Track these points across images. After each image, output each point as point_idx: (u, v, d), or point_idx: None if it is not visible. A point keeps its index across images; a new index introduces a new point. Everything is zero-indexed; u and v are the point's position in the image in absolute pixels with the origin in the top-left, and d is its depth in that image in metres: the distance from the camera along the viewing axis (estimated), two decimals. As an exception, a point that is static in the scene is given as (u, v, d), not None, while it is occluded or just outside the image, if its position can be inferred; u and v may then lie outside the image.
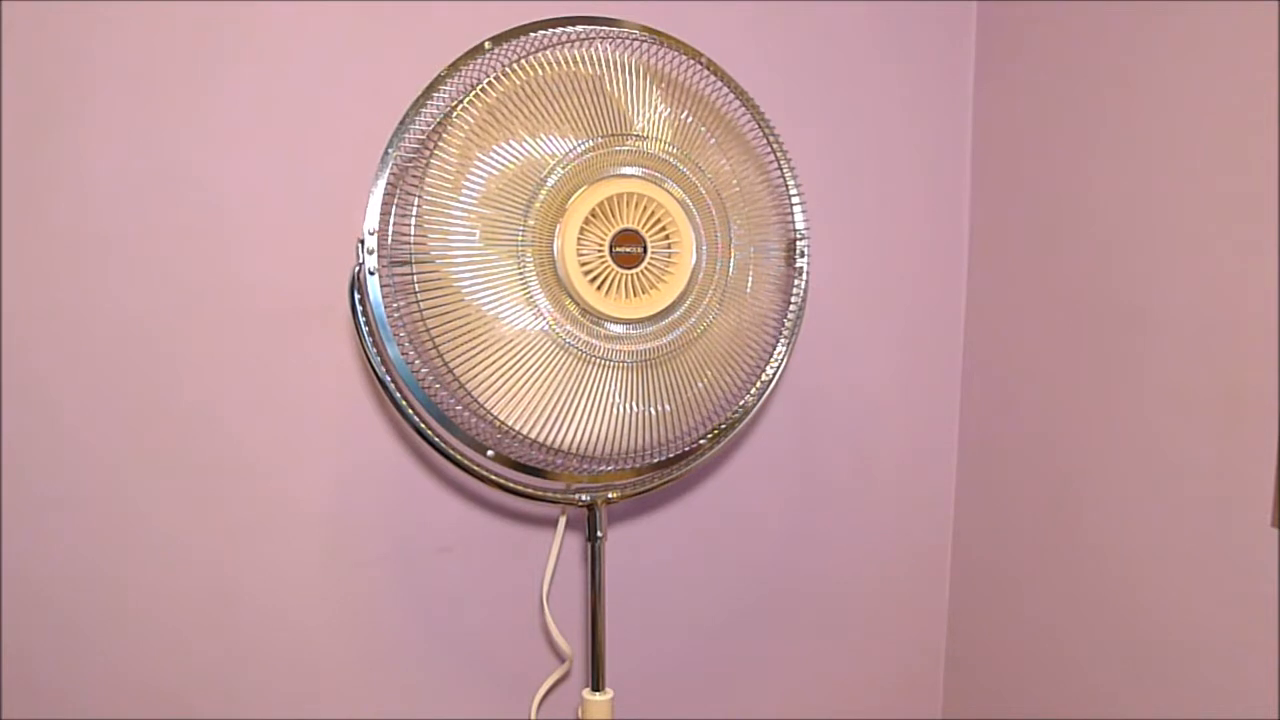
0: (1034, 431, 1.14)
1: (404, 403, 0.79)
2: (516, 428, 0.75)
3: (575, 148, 0.74)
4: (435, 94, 0.73)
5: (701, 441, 0.84)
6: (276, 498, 1.03)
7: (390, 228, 0.72)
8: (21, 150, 0.91)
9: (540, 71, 0.74)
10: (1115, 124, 1.01)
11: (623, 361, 0.76)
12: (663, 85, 0.78)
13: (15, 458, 0.95)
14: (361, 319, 0.78)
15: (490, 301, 0.72)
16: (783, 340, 0.85)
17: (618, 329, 0.76)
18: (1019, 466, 1.17)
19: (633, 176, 0.76)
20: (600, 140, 0.75)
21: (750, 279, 0.81)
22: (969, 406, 1.26)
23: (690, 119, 0.78)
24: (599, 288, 0.74)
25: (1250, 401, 0.87)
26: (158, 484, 0.99)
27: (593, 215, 0.74)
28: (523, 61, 0.74)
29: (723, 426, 0.84)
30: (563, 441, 0.76)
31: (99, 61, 0.92)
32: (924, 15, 1.19)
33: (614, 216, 0.75)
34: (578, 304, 0.74)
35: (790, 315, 0.85)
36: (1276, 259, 0.85)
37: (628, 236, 0.75)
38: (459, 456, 0.81)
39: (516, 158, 0.73)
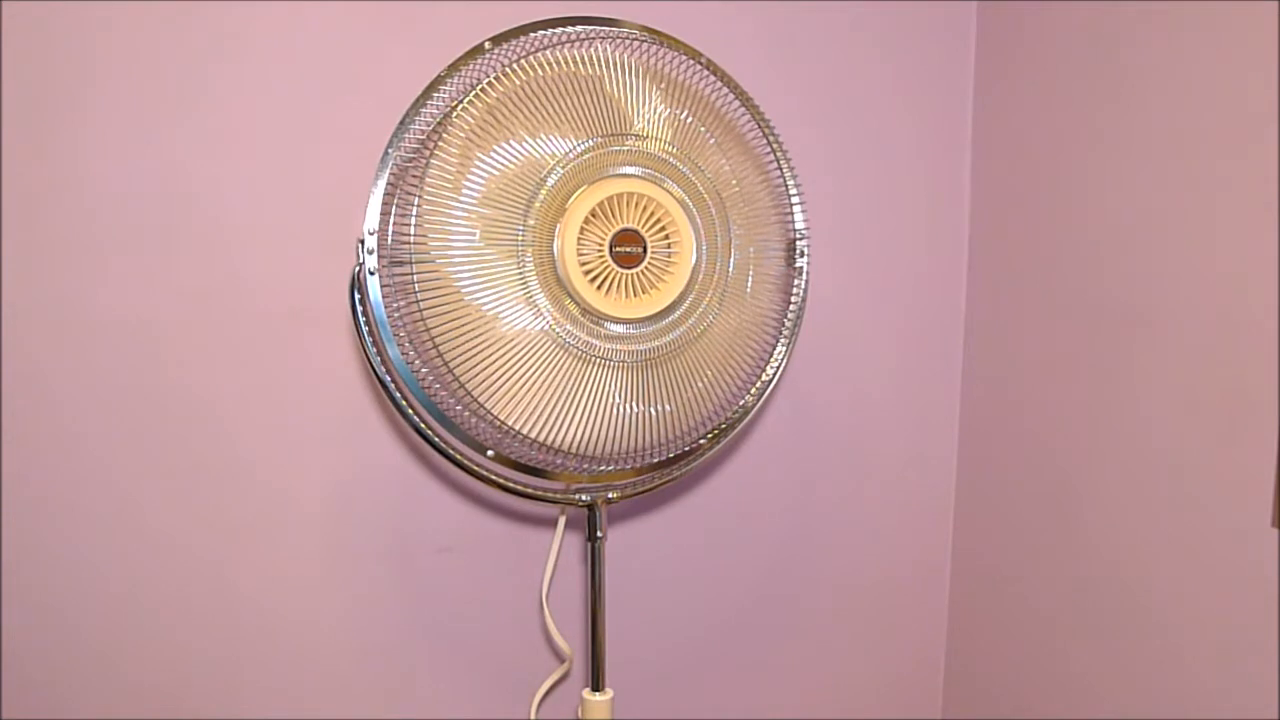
0: (1034, 432, 1.14)
1: (404, 403, 0.79)
2: (516, 428, 0.75)
3: (575, 148, 0.74)
4: (435, 94, 0.73)
5: (701, 441, 0.84)
6: (276, 498, 1.03)
7: (390, 228, 0.72)
8: (21, 150, 0.92)
9: (540, 72, 0.74)
10: (1115, 124, 1.01)
11: (623, 361, 0.76)
12: (662, 85, 0.78)
13: (15, 458, 0.95)
14: (361, 319, 0.78)
15: (490, 301, 0.72)
16: (783, 340, 0.85)
17: (618, 329, 0.76)
18: (1019, 467, 1.17)
19: (633, 176, 0.76)
20: (600, 140, 0.75)
21: (750, 279, 0.81)
22: (969, 407, 1.26)
23: (690, 119, 0.78)
24: (599, 287, 0.74)
25: (1250, 402, 0.87)
26: (158, 484, 0.99)
27: (593, 215, 0.74)
28: (523, 61, 0.74)
29: (723, 426, 0.84)
30: (563, 441, 0.76)
31: (99, 62, 0.92)
32: (924, 15, 1.19)
33: (614, 216, 0.75)
34: (578, 304, 0.74)
35: (790, 315, 0.85)
36: (1276, 259, 0.85)
37: (628, 236, 0.75)
38: (459, 456, 0.81)
39: (516, 158, 0.73)
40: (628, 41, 0.78)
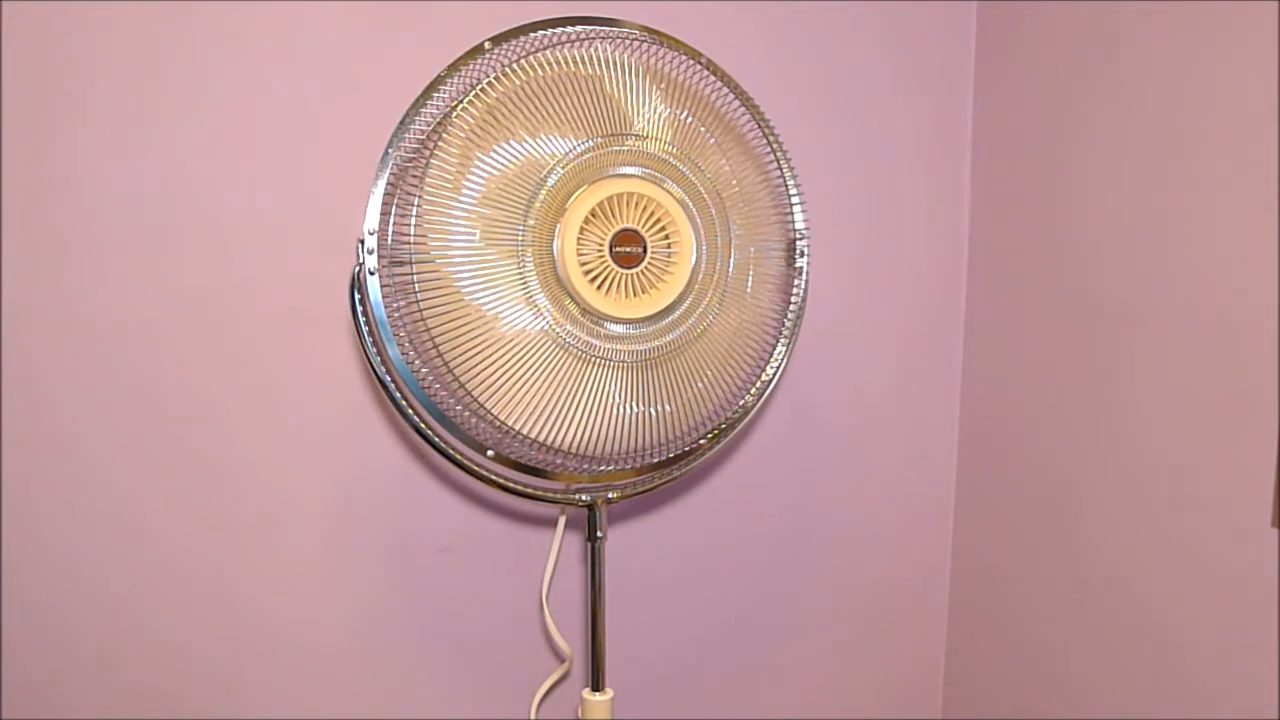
0: (1034, 432, 1.14)
1: (404, 403, 0.79)
2: (516, 428, 0.75)
3: (575, 148, 0.74)
4: (435, 94, 0.73)
5: (701, 441, 0.84)
6: (276, 498, 1.03)
7: (390, 228, 0.72)
8: (21, 150, 0.92)
9: (540, 72, 0.74)
10: (1115, 124, 1.01)
11: (623, 361, 0.76)
12: (662, 85, 0.78)
13: (15, 458, 0.95)
14: (361, 319, 0.78)
15: (490, 301, 0.72)
16: (783, 340, 0.85)
17: (618, 329, 0.76)
18: (1019, 467, 1.17)
19: (632, 176, 0.76)
20: (600, 140, 0.75)
21: (750, 279, 0.81)
22: (969, 407, 1.26)
23: (690, 119, 0.78)
24: (599, 287, 0.74)
25: (1250, 402, 0.87)
26: (158, 484, 0.99)
27: (593, 215, 0.74)
28: (522, 61, 0.74)
29: (723, 426, 0.84)
30: (563, 441, 0.76)
31: (99, 62, 0.92)
32: (924, 15, 1.19)
33: (614, 216, 0.75)
34: (578, 304, 0.74)
35: (790, 315, 0.85)
36: (1276, 259, 0.85)
37: (628, 236, 0.75)
38: (459, 456, 0.81)
39: (516, 158, 0.73)
40: (628, 41, 0.78)
